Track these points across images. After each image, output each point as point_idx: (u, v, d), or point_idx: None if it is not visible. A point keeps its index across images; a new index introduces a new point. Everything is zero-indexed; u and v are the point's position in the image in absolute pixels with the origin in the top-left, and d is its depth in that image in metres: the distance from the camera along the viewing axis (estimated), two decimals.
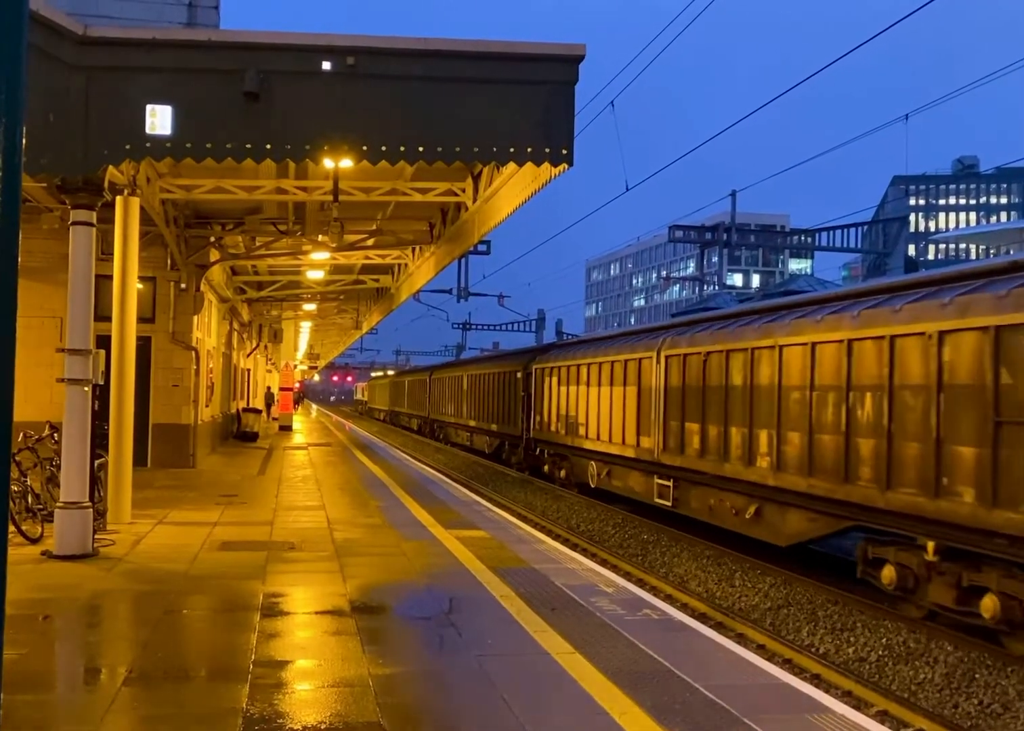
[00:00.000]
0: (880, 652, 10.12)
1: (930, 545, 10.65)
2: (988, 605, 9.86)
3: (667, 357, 18.26)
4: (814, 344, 13.05)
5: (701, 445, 16.55)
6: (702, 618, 11.18)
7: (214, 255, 20.40)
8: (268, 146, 9.00)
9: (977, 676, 9.17)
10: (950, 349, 10.53)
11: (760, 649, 10.06)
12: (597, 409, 22.00)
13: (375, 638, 6.74)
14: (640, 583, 12.96)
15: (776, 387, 14.01)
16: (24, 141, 1.99)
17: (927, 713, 8.30)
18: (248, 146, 8.96)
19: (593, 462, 22.56)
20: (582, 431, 22.91)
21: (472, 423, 37.01)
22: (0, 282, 1.96)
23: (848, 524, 12.41)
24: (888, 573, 11.35)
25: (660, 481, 18.41)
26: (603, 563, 14.03)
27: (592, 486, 22.51)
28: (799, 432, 13.37)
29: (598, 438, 21.82)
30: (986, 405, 9.94)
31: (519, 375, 29.76)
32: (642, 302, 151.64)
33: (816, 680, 9.00)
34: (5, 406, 1.98)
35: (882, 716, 8.12)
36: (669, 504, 17.98)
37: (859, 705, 8.11)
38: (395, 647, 6.73)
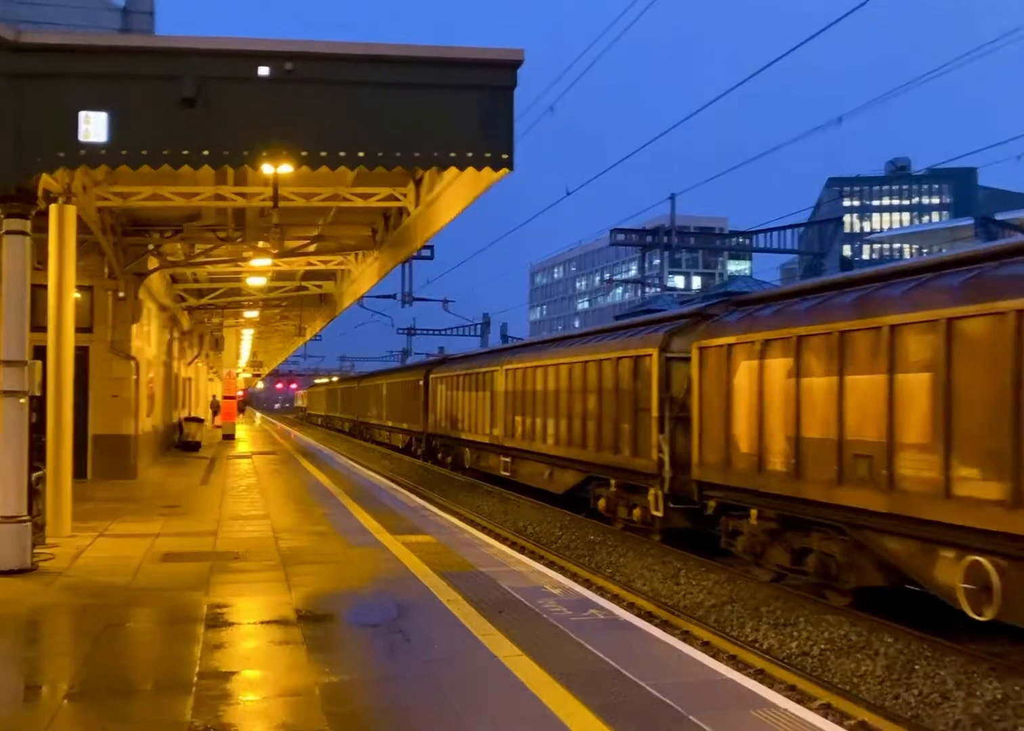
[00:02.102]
0: (822, 646, 10.30)
1: (613, 483, 17.96)
2: (636, 514, 16.81)
3: (507, 370, 25.18)
4: (572, 363, 20.28)
5: (523, 431, 23.56)
6: (648, 617, 11.29)
7: (153, 263, 20.13)
8: (206, 152, 8.90)
9: (917, 667, 9.37)
10: (621, 368, 17.60)
11: (705, 646, 10.17)
12: (469, 409, 29.14)
13: (321, 647, 6.71)
14: (587, 584, 13.04)
15: (555, 390, 21.16)
16: None
17: (869, 705, 8.46)
18: (185, 152, 8.86)
19: (467, 449, 30.09)
20: (460, 426, 30.38)
21: (390, 423, 44.89)
22: None
23: (586, 475, 19.62)
24: (601, 503, 18.56)
25: (504, 459, 25.58)
26: (550, 565, 14.10)
27: (467, 467, 30.16)
28: (566, 419, 20.44)
29: (470, 430, 29.11)
30: (633, 400, 16.88)
31: (420, 383, 36.70)
32: (586, 305, 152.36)
33: (760, 675, 9.14)
34: None
35: (825, 709, 8.26)
36: (509, 475, 25.12)
37: (802, 699, 8.25)
38: (342, 655, 6.70)
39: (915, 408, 10.05)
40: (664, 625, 10.88)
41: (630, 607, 11.80)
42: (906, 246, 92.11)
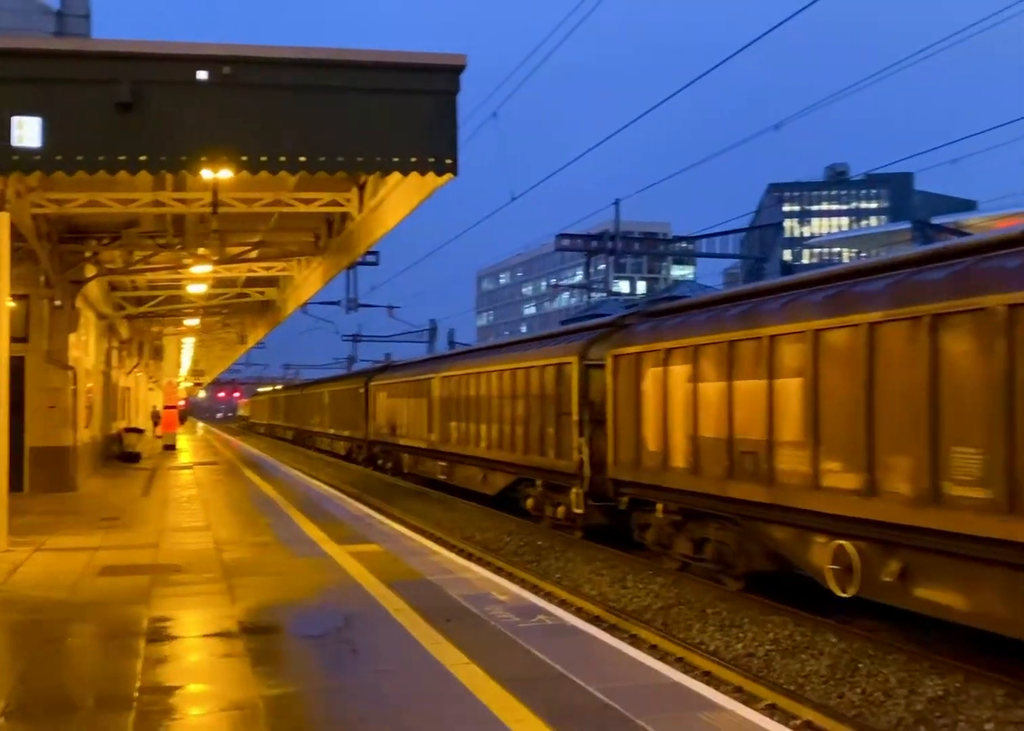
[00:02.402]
0: (768, 647, 10.39)
1: (539, 483, 19.19)
2: (560, 512, 18.01)
3: (442, 377, 26.24)
4: (502, 371, 21.40)
5: (458, 436, 24.51)
6: (596, 621, 11.29)
7: (90, 270, 19.77)
8: (143, 158, 8.77)
9: (860, 666, 9.49)
10: (545, 375, 18.66)
11: (652, 649, 10.20)
12: (408, 415, 30.17)
13: (266, 659, 6.60)
14: (535, 589, 13.02)
15: (487, 397, 22.18)
16: None
17: (814, 705, 8.54)
18: (122, 158, 8.72)
19: (406, 454, 31.22)
20: (399, 432, 31.43)
21: (332, 431, 45.79)
22: None
23: (516, 477, 20.71)
24: (529, 502, 19.69)
25: (440, 463, 26.57)
26: (498, 571, 14.06)
27: (405, 472, 31.37)
28: (497, 424, 21.45)
29: (408, 436, 30.05)
30: (557, 405, 17.98)
31: (361, 391, 37.60)
32: (533, 310, 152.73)
33: (707, 677, 9.19)
34: None
35: (771, 710, 8.32)
36: (445, 478, 26.15)
37: (748, 700, 8.30)
38: (286, 667, 6.60)
39: (790, 409, 11.17)
40: (612, 629, 10.91)
41: (578, 612, 11.80)
42: (845, 250, 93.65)
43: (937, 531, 8.91)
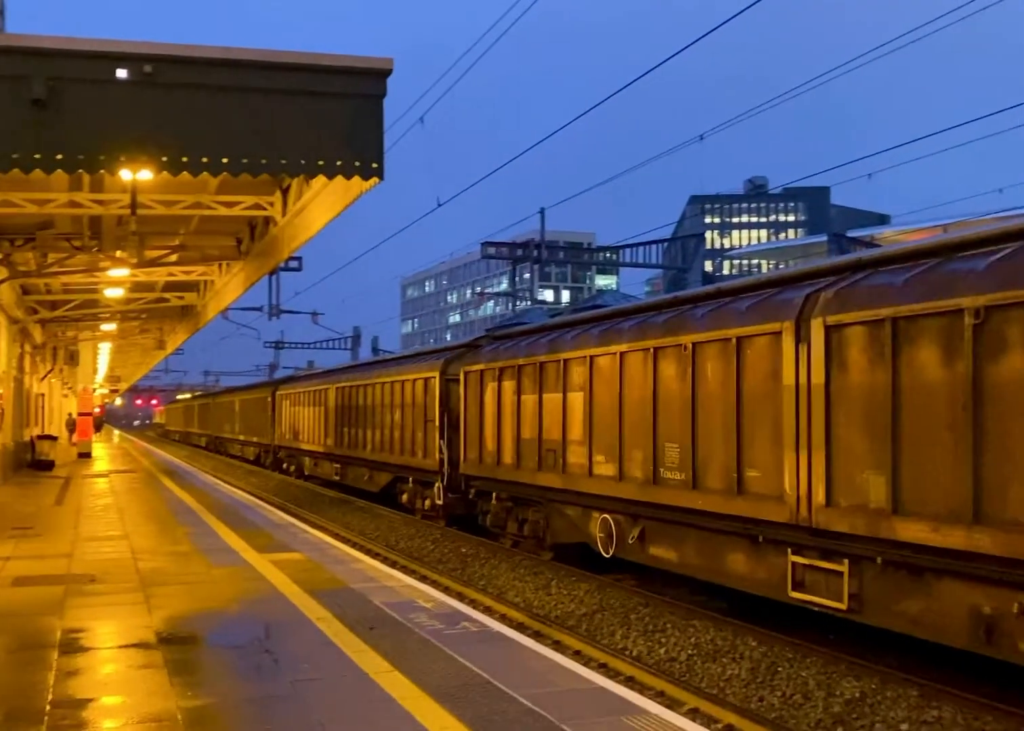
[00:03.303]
0: (690, 651, 10.49)
1: (411, 480, 22.39)
2: (427, 504, 21.30)
3: (337, 388, 29.29)
4: (383, 383, 24.29)
5: (349, 441, 27.52)
6: (520, 628, 11.30)
7: (2, 273, 19.15)
8: (59, 157, 8.51)
9: (780, 669, 9.63)
10: (416, 387, 21.66)
11: (576, 655, 10.23)
12: (308, 422, 33.00)
13: (184, 670, 6.45)
14: (459, 597, 12.97)
15: (373, 405, 25.21)
16: None
17: (735, 708, 8.64)
18: (37, 156, 8.44)
19: (307, 458, 34.28)
20: (301, 437, 34.19)
21: (242, 438, 48.50)
22: None
23: (394, 476, 23.84)
24: (404, 497, 23.09)
25: (335, 465, 29.75)
26: (423, 579, 13.98)
27: (306, 475, 34.45)
28: (380, 429, 24.47)
29: (308, 441, 32.94)
30: (424, 413, 21.06)
31: (268, 399, 40.13)
32: (458, 318, 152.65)
33: (630, 682, 9.22)
34: None
35: (693, 714, 8.40)
36: (339, 479, 29.27)
37: (671, 704, 8.35)
38: (206, 678, 6.45)
39: (576, 416, 14.30)
40: (536, 636, 10.90)
41: (502, 619, 11.79)
42: (763, 261, 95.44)
43: (657, 504, 12.09)
